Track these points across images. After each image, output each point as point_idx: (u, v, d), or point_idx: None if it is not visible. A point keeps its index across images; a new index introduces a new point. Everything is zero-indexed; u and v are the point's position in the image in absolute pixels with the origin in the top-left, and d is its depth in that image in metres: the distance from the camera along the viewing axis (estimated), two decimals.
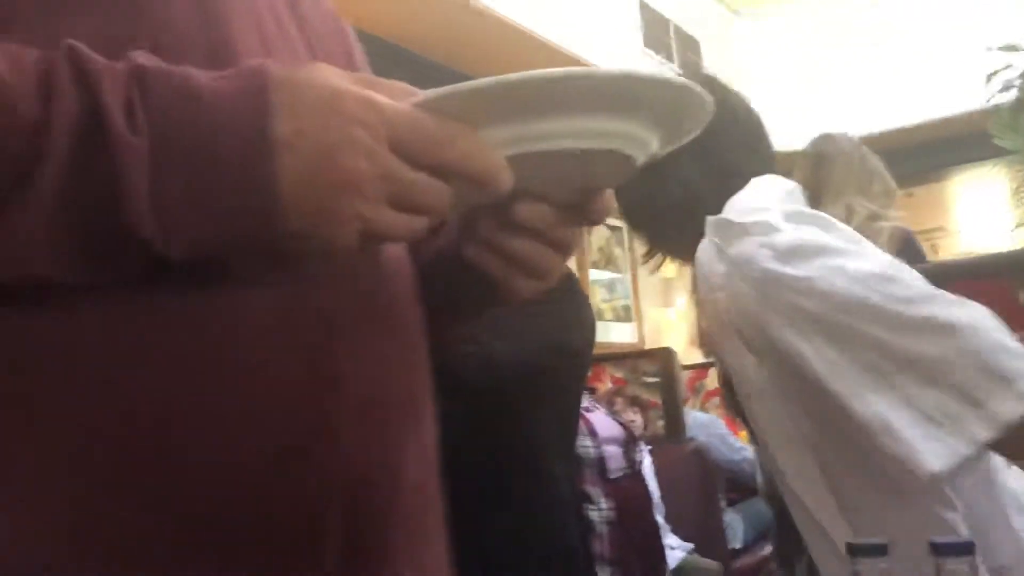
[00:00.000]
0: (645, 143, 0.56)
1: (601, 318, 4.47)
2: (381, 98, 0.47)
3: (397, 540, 0.56)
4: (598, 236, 5.08)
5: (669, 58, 4.88)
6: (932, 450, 0.94)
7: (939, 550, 0.68)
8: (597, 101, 0.53)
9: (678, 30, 5.07)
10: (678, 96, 0.55)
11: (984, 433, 0.93)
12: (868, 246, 1.03)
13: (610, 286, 5.21)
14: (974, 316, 0.96)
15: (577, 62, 3.99)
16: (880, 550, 0.69)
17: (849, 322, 0.97)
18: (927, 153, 5.37)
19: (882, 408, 0.96)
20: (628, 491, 2.56)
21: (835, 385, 0.96)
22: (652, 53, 4.71)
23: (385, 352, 0.58)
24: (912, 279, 0.97)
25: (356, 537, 0.54)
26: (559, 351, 1.58)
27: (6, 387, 0.48)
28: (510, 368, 1.50)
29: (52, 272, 0.46)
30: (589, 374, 2.50)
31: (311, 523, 0.52)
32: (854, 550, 0.70)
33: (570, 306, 1.68)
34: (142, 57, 0.46)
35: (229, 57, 0.52)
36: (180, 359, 0.50)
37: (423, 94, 0.49)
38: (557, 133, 0.52)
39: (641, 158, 0.57)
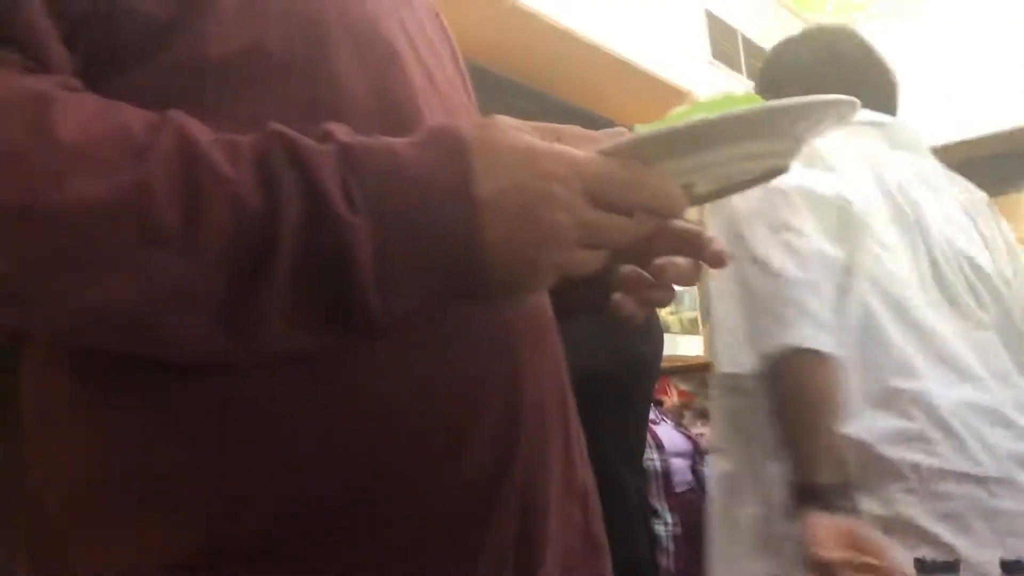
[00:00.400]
0: (800, 149, 0.64)
1: (668, 331, 4.43)
2: (573, 151, 0.51)
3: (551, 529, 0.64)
4: None
5: (737, 69, 4.84)
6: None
7: (924, 567, 0.72)
8: (765, 131, 0.60)
9: (746, 40, 5.02)
10: (834, 108, 0.61)
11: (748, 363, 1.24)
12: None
13: (677, 297, 5.17)
14: (795, 271, 1.22)
15: (645, 75, 3.98)
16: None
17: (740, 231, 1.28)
18: (1006, 162, 5.22)
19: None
20: (694, 505, 2.54)
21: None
22: (720, 64, 4.68)
23: (544, 369, 0.66)
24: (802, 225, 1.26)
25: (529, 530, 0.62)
26: (628, 361, 1.59)
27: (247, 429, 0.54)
28: (579, 378, 1.51)
29: (286, 344, 0.51)
30: (656, 386, 2.50)
31: (503, 525, 0.60)
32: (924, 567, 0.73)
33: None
34: (341, 133, 0.50)
35: (400, 118, 0.58)
36: (395, 393, 0.56)
37: (609, 142, 0.55)
38: (730, 159, 0.59)
39: (793, 160, 0.65)
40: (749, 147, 0.58)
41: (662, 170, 0.54)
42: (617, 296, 0.69)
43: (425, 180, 0.49)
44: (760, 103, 0.58)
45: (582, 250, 0.52)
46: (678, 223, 0.64)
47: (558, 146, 0.52)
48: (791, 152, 0.62)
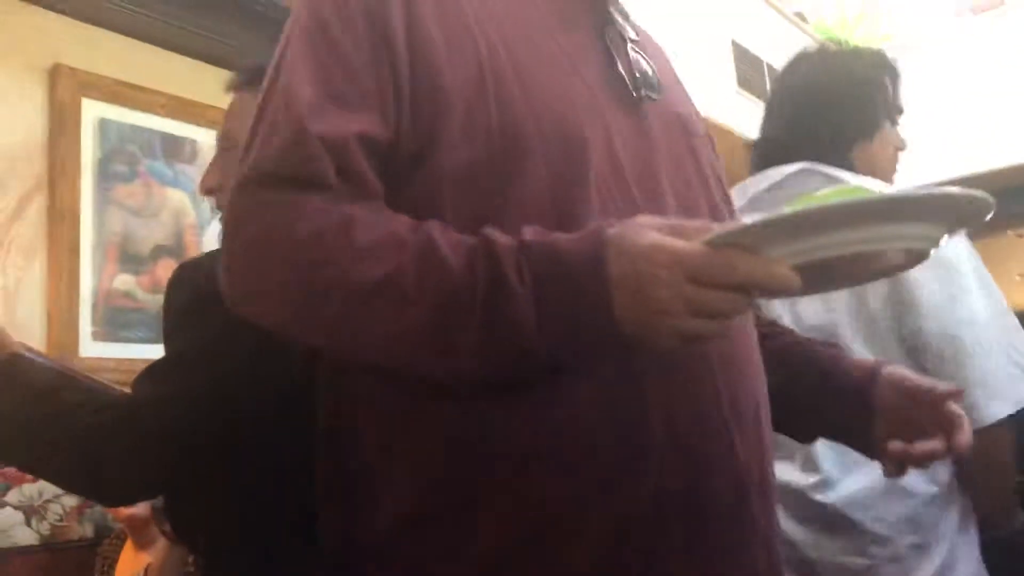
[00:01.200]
0: (933, 238, 0.68)
1: None
2: (678, 244, 0.67)
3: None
4: None
5: (763, 98, 4.84)
6: None
7: None
8: (877, 217, 0.65)
9: (772, 70, 5.03)
10: (956, 203, 0.65)
11: None
12: None
13: None
14: None
15: None
16: None
17: None
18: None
19: None
20: None
21: None
22: (746, 93, 4.68)
23: (746, 392, 0.84)
24: None
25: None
26: None
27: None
28: None
29: (478, 377, 0.73)
30: None
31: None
32: None
33: None
34: (528, 232, 0.72)
35: (571, 220, 0.76)
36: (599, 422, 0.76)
37: (712, 232, 0.67)
38: (846, 242, 0.65)
39: (933, 247, 0.69)
40: (862, 232, 0.65)
41: (764, 254, 0.66)
42: (886, 459, 0.92)
43: (574, 266, 0.69)
44: (856, 195, 0.65)
45: (696, 319, 0.68)
46: (950, 406, 0.90)
47: (670, 241, 0.68)
48: (917, 238, 0.67)
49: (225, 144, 1.28)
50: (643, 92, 0.89)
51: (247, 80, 1.29)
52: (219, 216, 1.29)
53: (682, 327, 0.68)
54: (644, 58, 0.93)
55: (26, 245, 2.32)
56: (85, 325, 2.38)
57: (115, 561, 2.11)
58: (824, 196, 0.68)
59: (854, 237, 0.65)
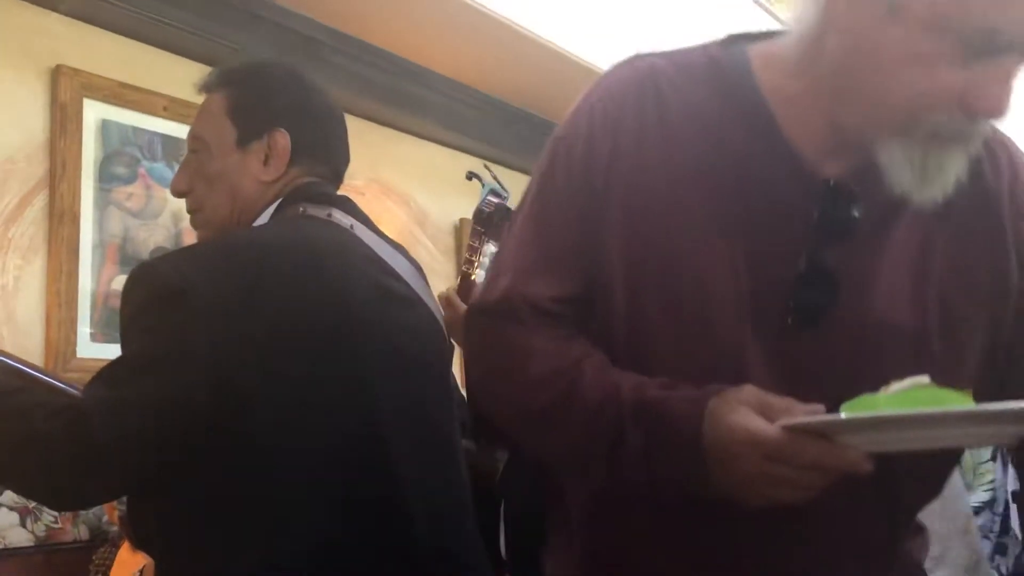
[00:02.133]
0: (1011, 433, 0.73)
1: None
2: (757, 426, 0.77)
3: None
4: None
5: None
6: None
7: None
8: (960, 422, 0.71)
9: None
10: None
11: None
12: None
13: None
14: None
15: None
16: None
17: None
18: None
19: None
20: None
21: None
22: None
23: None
24: None
25: None
26: None
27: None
28: None
29: (617, 486, 0.90)
30: None
31: None
32: None
33: None
34: (651, 388, 0.86)
35: (703, 372, 0.87)
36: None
37: (787, 420, 0.75)
38: (925, 439, 0.72)
39: (1015, 440, 0.74)
40: (925, 434, 0.72)
41: (842, 440, 0.73)
42: None
43: (678, 432, 0.82)
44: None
45: (781, 487, 0.77)
46: None
47: (752, 422, 0.77)
48: (991, 436, 0.76)
49: (194, 146, 1.26)
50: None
51: (216, 82, 1.28)
52: (193, 218, 1.28)
53: (766, 494, 0.78)
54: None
55: (26, 245, 2.32)
56: (83, 326, 2.38)
57: (109, 568, 2.11)
58: (904, 394, 0.74)
59: (934, 435, 0.72)
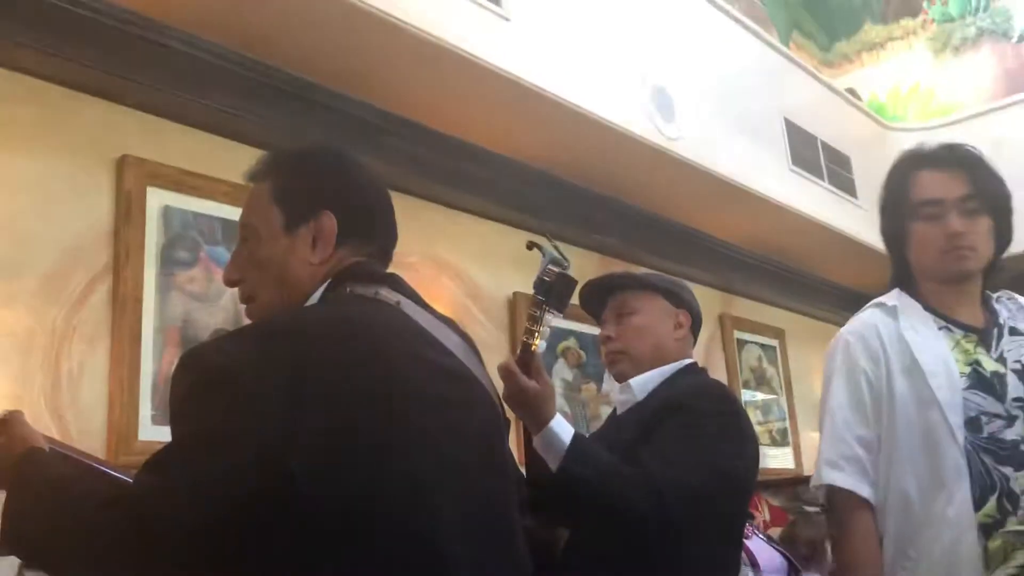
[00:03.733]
0: None
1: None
2: None
3: None
4: (749, 354, 4.93)
5: (818, 175, 4.82)
6: None
7: None
8: None
9: (826, 146, 5.01)
10: None
11: None
12: None
13: (765, 408, 5.01)
14: None
15: (725, 183, 3.98)
16: None
17: None
18: None
19: None
20: None
21: None
22: (800, 171, 4.66)
23: None
24: None
25: None
26: (723, 477, 1.54)
27: None
28: (676, 496, 1.47)
29: None
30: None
31: None
32: None
33: (737, 434, 1.64)
34: None
35: None
36: None
37: None
38: None
39: None
40: None
41: None
42: None
43: None
44: None
45: None
46: None
47: None
48: None
49: (244, 234, 1.28)
50: None
51: (261, 171, 1.30)
52: (248, 308, 1.29)
53: None
54: None
55: (90, 332, 2.38)
56: (145, 408, 2.40)
57: None
58: None
59: None
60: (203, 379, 1.01)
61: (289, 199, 1.24)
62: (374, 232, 1.29)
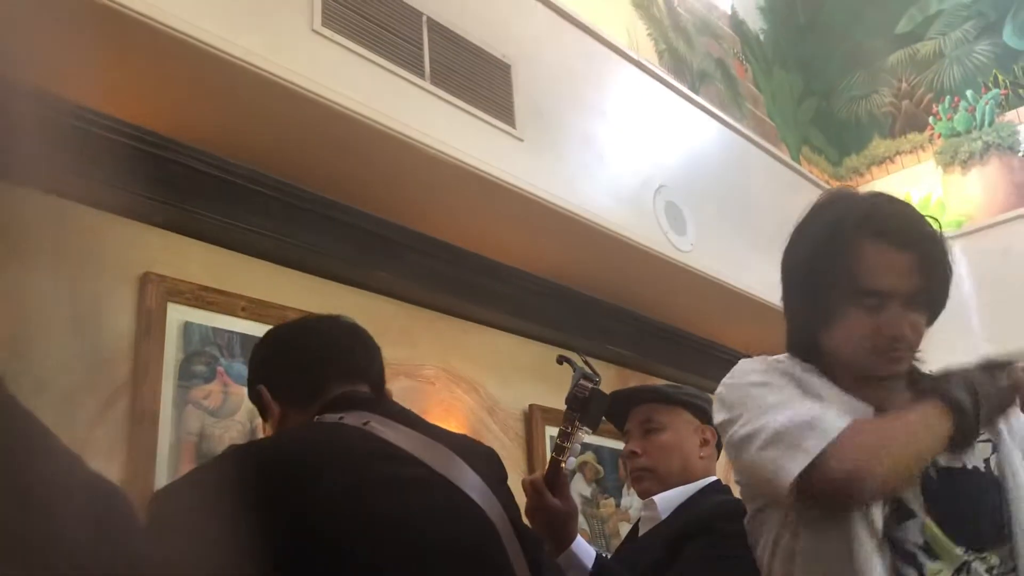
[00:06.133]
0: None
1: None
2: None
3: None
4: None
5: None
6: None
7: None
8: None
9: None
10: None
11: None
12: None
13: None
14: None
15: (740, 295, 3.99)
16: None
17: None
18: None
19: None
20: None
21: None
22: None
23: None
24: None
25: None
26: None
27: None
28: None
29: None
30: None
31: None
32: None
33: None
34: None
35: None
36: None
37: None
38: None
39: None
40: None
41: None
42: None
43: None
44: None
45: None
46: None
47: None
48: None
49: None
50: None
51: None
52: None
53: None
54: None
55: (106, 448, 2.37)
56: None
57: None
58: None
59: None
60: (233, 463, 1.18)
61: (251, 382, 1.48)
62: (306, 388, 1.39)
